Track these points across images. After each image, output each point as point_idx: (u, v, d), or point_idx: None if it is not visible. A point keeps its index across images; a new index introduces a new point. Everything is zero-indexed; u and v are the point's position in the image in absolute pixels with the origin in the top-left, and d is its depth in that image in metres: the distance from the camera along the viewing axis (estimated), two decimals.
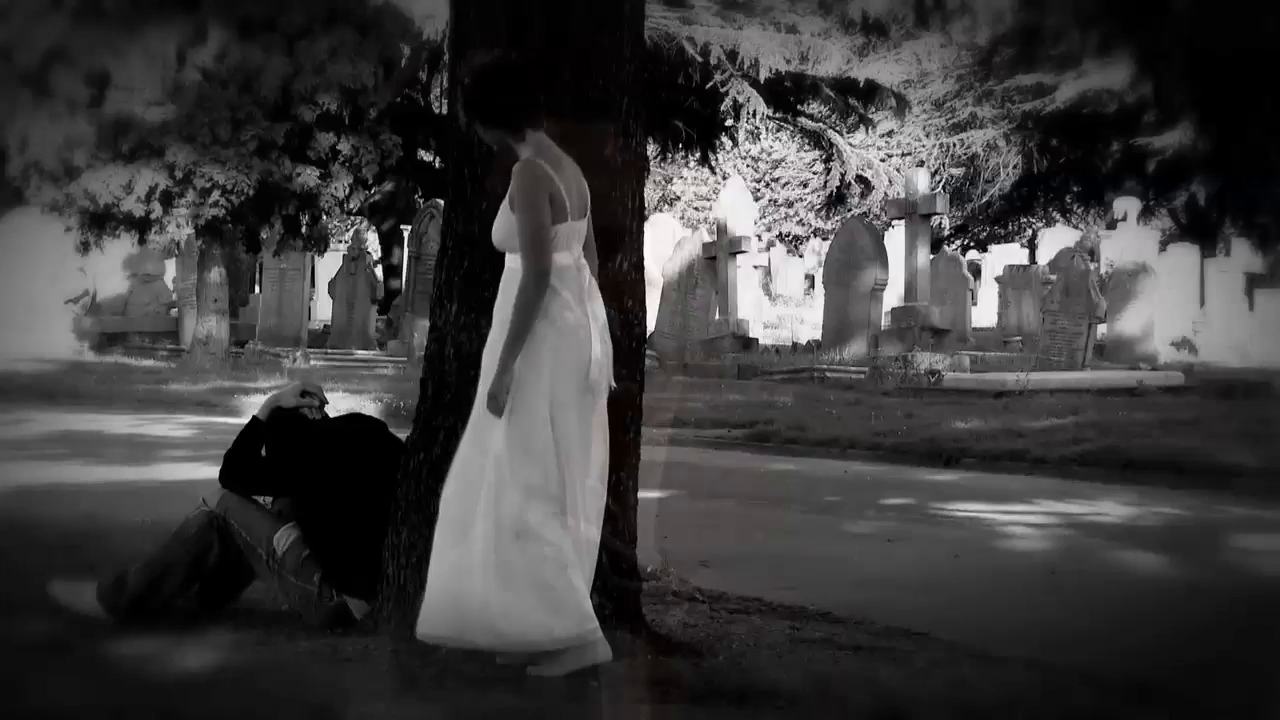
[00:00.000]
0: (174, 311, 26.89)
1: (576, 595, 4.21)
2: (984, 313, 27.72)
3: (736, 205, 22.91)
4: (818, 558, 7.37)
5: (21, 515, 7.07)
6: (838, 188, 30.44)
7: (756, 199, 36.67)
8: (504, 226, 4.33)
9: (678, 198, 42.60)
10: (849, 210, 34.29)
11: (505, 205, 4.32)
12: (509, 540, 4.17)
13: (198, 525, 4.90)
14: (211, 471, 5.14)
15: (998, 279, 26.83)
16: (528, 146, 4.32)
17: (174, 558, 4.88)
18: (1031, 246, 36.43)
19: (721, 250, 22.29)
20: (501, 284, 4.36)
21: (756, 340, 22.55)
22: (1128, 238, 28.15)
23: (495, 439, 4.23)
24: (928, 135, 35.53)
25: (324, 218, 21.93)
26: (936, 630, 5.13)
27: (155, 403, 16.70)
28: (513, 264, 4.34)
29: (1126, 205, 31.12)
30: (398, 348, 22.87)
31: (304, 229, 21.56)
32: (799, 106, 27.51)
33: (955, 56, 32.94)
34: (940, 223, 33.66)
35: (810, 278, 34.33)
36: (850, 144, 29.12)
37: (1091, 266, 20.61)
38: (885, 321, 21.05)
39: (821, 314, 22.81)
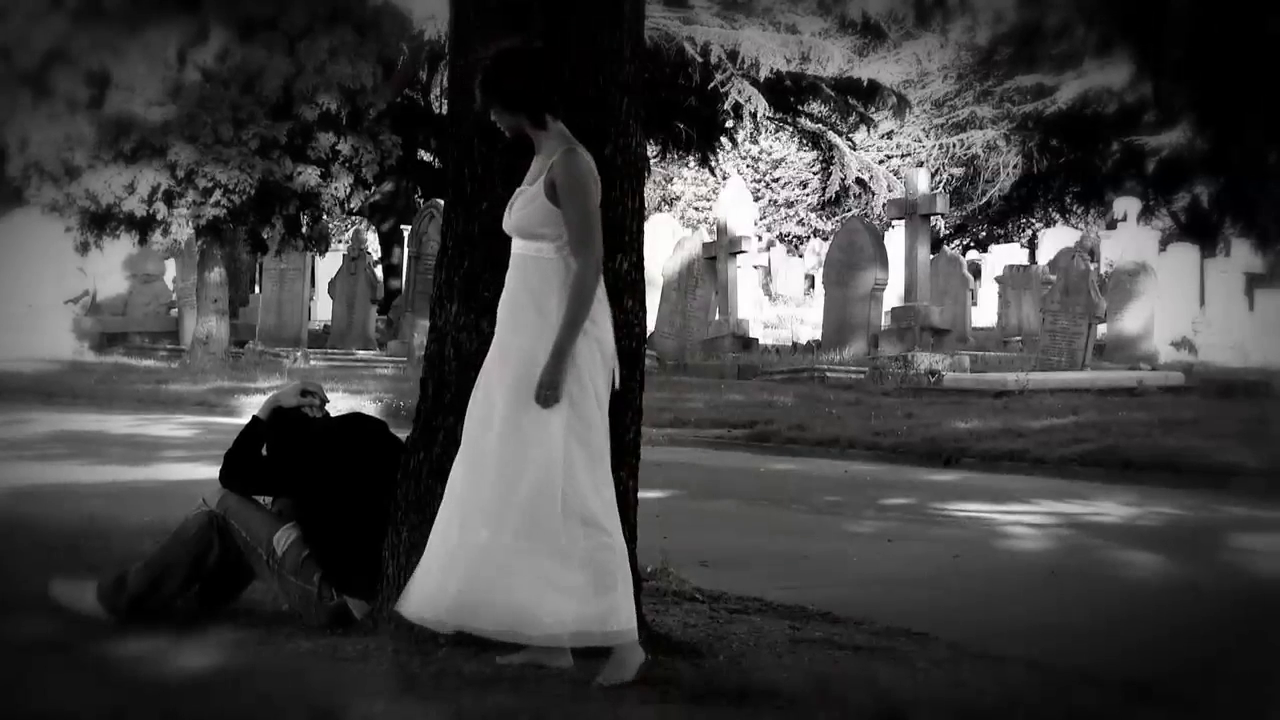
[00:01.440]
0: (174, 311, 26.89)
1: (629, 589, 4.23)
2: (984, 313, 27.72)
3: (736, 205, 22.90)
4: (817, 557, 7.36)
5: (21, 515, 7.07)
6: (837, 192, 30.47)
7: (756, 199, 36.66)
8: (536, 214, 4.29)
9: (678, 198, 42.61)
10: (849, 210, 34.31)
11: (537, 191, 4.29)
12: (575, 528, 4.16)
13: (198, 525, 4.89)
14: (211, 471, 5.14)
15: (998, 279, 26.83)
16: (552, 135, 4.33)
17: (174, 558, 4.87)
18: (1031, 246, 36.44)
19: (721, 250, 22.29)
20: (518, 272, 4.33)
21: (756, 340, 22.55)
22: (1128, 238, 28.19)
23: (548, 428, 4.19)
24: (928, 135, 35.54)
25: (324, 218, 21.93)
26: (937, 630, 5.13)
27: (155, 403, 16.70)
28: (530, 251, 4.31)
29: (1126, 205, 31.15)
30: (398, 348, 22.87)
31: (304, 229, 21.56)
32: (799, 107, 27.52)
33: (955, 56, 32.98)
34: (939, 223, 33.66)
35: (810, 278, 34.33)
36: (850, 145, 29.12)
37: (1091, 266, 20.62)
38: (885, 321, 21.05)
39: (821, 314, 22.82)
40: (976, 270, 31.24)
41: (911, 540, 8.04)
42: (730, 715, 3.97)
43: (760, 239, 33.73)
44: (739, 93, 24.73)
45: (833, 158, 28.85)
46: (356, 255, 25.25)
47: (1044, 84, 30.53)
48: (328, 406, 5.09)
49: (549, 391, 4.20)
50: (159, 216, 20.08)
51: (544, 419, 4.20)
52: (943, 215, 28.36)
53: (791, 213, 41.33)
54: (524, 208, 4.33)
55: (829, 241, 25.42)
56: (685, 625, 4.97)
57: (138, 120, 19.63)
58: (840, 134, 28.42)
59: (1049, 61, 30.01)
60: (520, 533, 4.16)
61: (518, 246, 4.36)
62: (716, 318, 21.99)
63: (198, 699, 3.99)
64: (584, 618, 4.13)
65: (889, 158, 35.76)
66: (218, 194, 19.95)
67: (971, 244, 38.72)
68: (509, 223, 4.38)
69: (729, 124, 27.19)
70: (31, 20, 19.89)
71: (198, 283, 22.70)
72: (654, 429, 11.83)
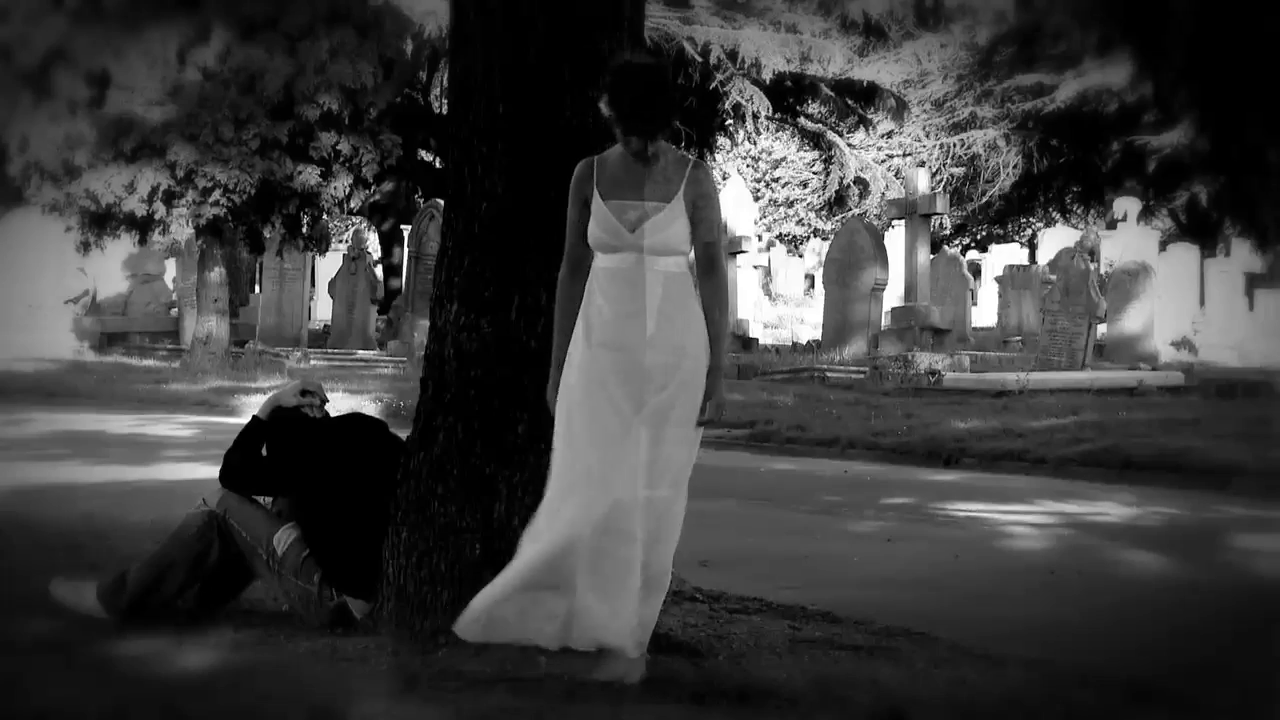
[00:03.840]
0: (174, 311, 26.90)
1: (633, 605, 4.19)
2: (984, 313, 27.74)
3: (736, 205, 22.92)
4: (817, 557, 7.36)
5: (21, 515, 7.08)
6: (837, 190, 30.48)
7: (756, 199, 36.68)
8: (683, 230, 4.15)
9: None
10: (849, 210, 34.33)
11: (677, 209, 4.12)
12: (664, 547, 4.15)
13: (198, 525, 4.90)
14: (211, 471, 5.14)
15: (998, 279, 26.86)
16: (666, 147, 4.21)
17: (174, 558, 4.87)
18: (1031, 246, 36.45)
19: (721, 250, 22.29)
20: (661, 289, 4.13)
21: (756, 340, 22.55)
22: (1128, 238, 28.17)
23: (678, 443, 4.11)
24: (928, 135, 35.56)
25: (324, 217, 21.93)
26: (937, 630, 5.12)
27: (155, 403, 16.70)
28: (672, 268, 4.14)
29: (1126, 205, 31.13)
30: (398, 348, 22.88)
31: (304, 229, 21.57)
32: (798, 107, 27.54)
33: (955, 56, 33.00)
34: (940, 223, 33.67)
35: (810, 278, 34.36)
36: (850, 145, 29.14)
37: (1091, 266, 20.63)
38: (885, 321, 21.06)
39: (821, 314, 22.83)
40: (976, 270, 31.26)
41: (911, 540, 8.03)
42: (730, 715, 3.97)
43: (760, 239, 33.75)
44: (740, 93, 24.74)
45: (832, 157, 28.86)
46: (356, 255, 25.27)
47: (1044, 83, 30.54)
48: (328, 406, 5.09)
49: (723, 409, 4.19)
50: (159, 216, 20.09)
51: (690, 436, 4.14)
52: (943, 215, 28.38)
53: (791, 213, 41.33)
54: (665, 227, 4.12)
55: (829, 241, 25.43)
56: (685, 625, 4.96)
57: (138, 120, 19.63)
58: (839, 134, 28.45)
59: (1049, 61, 30.03)
60: (646, 552, 4.10)
61: (648, 264, 4.14)
62: None
63: (198, 698, 3.99)
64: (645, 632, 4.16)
65: (890, 157, 35.77)
66: (218, 194, 19.95)
67: (971, 244, 38.73)
68: (648, 243, 4.11)
69: (728, 124, 27.20)
70: (31, 20, 19.89)
71: (198, 283, 22.71)
72: None
